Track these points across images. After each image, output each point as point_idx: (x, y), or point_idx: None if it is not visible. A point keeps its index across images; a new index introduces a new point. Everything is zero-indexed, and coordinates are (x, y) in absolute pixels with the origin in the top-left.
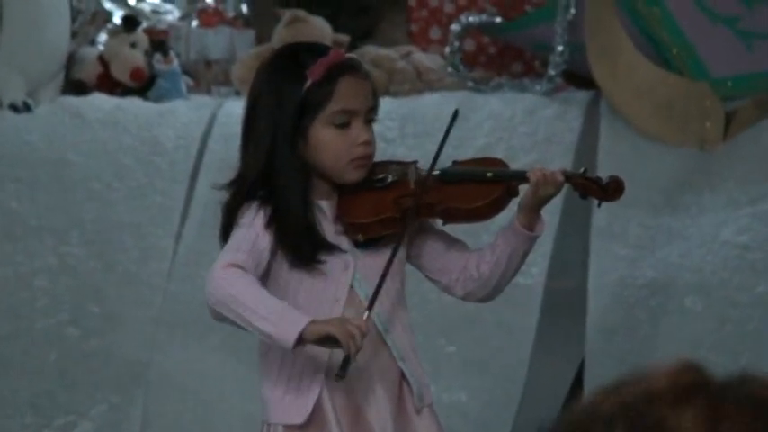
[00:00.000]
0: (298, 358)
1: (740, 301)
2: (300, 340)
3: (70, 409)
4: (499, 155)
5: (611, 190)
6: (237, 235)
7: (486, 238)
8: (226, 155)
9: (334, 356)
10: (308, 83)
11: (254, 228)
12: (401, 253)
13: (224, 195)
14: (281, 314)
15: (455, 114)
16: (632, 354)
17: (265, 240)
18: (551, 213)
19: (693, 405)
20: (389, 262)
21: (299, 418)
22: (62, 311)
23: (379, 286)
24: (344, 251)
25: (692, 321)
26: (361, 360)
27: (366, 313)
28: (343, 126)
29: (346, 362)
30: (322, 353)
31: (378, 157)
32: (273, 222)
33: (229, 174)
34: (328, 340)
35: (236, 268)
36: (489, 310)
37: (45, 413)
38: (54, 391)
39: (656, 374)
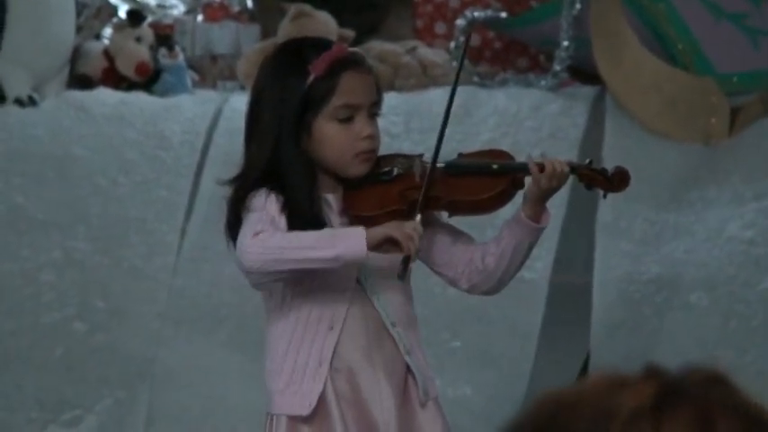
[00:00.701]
0: (305, 340)
1: (746, 297)
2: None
3: (76, 404)
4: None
5: (617, 181)
6: (252, 217)
7: (490, 232)
8: (231, 149)
9: (342, 344)
10: (312, 77)
11: (267, 211)
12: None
13: (229, 190)
14: (335, 237)
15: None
16: (637, 349)
17: (282, 222)
18: (557, 208)
19: (680, 412)
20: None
21: (303, 409)
22: (68, 306)
23: (426, 192)
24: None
25: (698, 317)
26: (366, 352)
27: (418, 216)
28: (347, 120)
29: (407, 262)
30: (330, 336)
31: (383, 152)
32: (285, 212)
33: (234, 168)
34: (388, 242)
35: (264, 232)
36: (494, 305)
37: (51, 408)
38: (60, 386)
39: (624, 388)
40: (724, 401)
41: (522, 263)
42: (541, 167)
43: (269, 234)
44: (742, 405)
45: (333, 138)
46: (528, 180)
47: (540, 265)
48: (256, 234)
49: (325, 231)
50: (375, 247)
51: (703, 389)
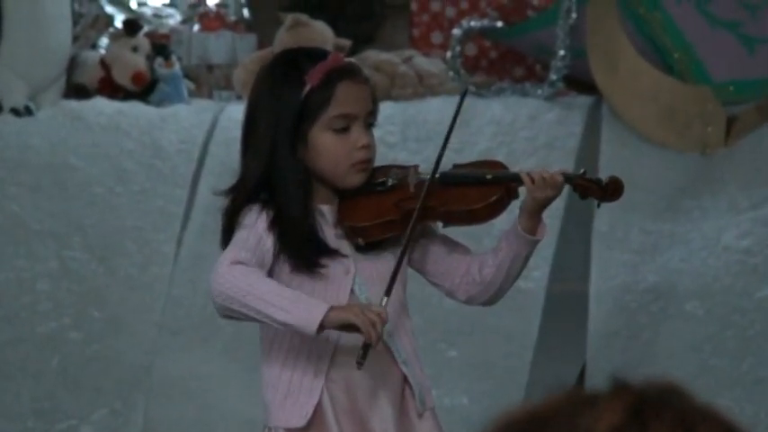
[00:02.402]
0: (303, 350)
1: (742, 306)
2: (321, 327)
3: (72, 414)
4: (500, 159)
5: (611, 190)
6: (240, 235)
7: (487, 242)
8: (227, 159)
9: (338, 354)
10: (307, 88)
11: (256, 229)
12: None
13: (225, 201)
14: (297, 303)
15: (464, 93)
16: (634, 358)
17: (269, 242)
18: (553, 218)
19: (661, 422)
20: (402, 256)
21: (299, 421)
22: (64, 316)
23: (394, 276)
24: (345, 255)
25: (694, 326)
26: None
27: (384, 299)
28: (343, 131)
29: (366, 349)
30: (326, 351)
31: (379, 162)
32: (275, 226)
33: (231, 178)
34: (349, 328)
35: (242, 265)
36: (491, 315)
37: (47, 417)
38: (56, 396)
39: (599, 408)
40: (698, 409)
41: (519, 274)
42: (534, 177)
43: (244, 271)
44: (713, 412)
45: (328, 148)
46: (522, 190)
47: (536, 275)
48: (235, 263)
49: (294, 294)
50: (335, 328)
51: (676, 398)
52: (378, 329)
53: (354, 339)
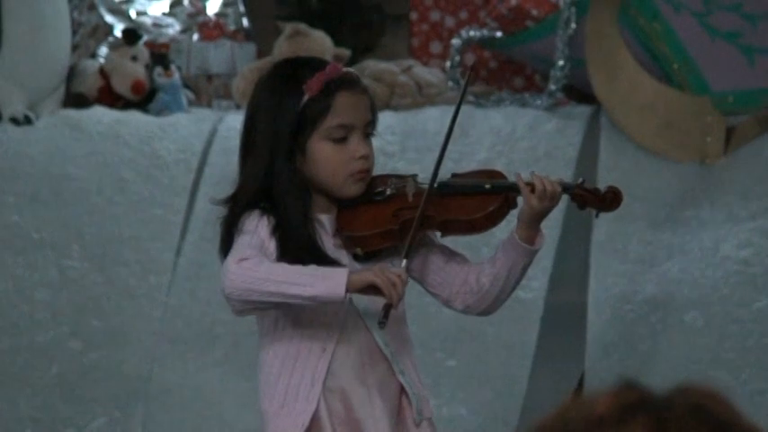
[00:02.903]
0: (300, 359)
1: (740, 317)
2: (346, 291)
3: (70, 423)
4: (500, 169)
5: (609, 200)
6: (242, 240)
7: (486, 252)
8: (226, 168)
9: (335, 364)
10: (306, 97)
11: (258, 233)
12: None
13: (223, 210)
14: (317, 275)
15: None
16: (632, 369)
17: (271, 247)
18: (551, 228)
19: (638, 422)
20: (415, 226)
21: (296, 430)
22: (63, 325)
23: (413, 238)
24: (344, 265)
25: (693, 337)
26: (360, 372)
27: (403, 261)
28: (341, 140)
29: (388, 309)
30: (322, 362)
31: (378, 171)
32: (277, 232)
33: (229, 188)
34: (371, 289)
35: (250, 260)
36: (489, 325)
37: (45, 426)
38: (54, 405)
39: (598, 398)
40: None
41: (517, 284)
42: (532, 187)
43: (254, 262)
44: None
45: (327, 157)
46: (521, 200)
47: (535, 285)
48: (242, 260)
49: (310, 268)
50: (357, 291)
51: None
52: (398, 290)
53: (352, 346)
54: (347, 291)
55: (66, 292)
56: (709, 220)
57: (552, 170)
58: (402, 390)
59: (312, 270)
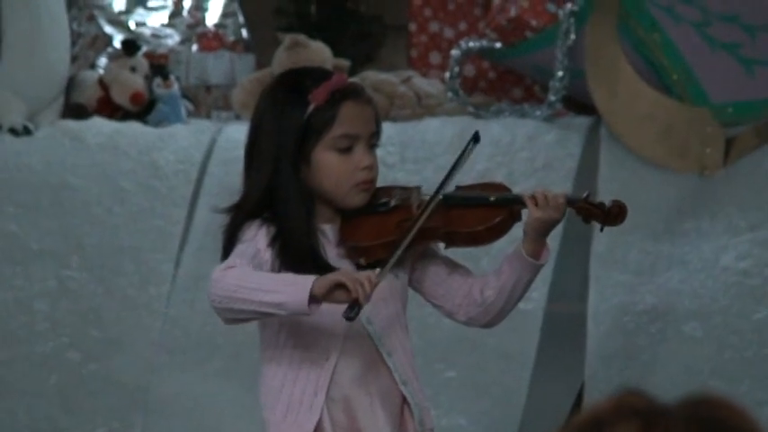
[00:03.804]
0: (303, 368)
1: (740, 328)
2: (313, 300)
3: None
4: (499, 180)
5: (614, 214)
6: (238, 249)
7: (486, 263)
8: (225, 179)
9: (338, 374)
10: (311, 107)
11: (255, 243)
12: (403, 274)
13: (225, 219)
14: (285, 282)
15: (475, 137)
16: (632, 379)
17: (266, 256)
18: (551, 238)
19: (630, 421)
20: (400, 244)
21: None
22: (62, 335)
23: (396, 255)
24: None
25: (692, 347)
26: (362, 382)
27: (377, 270)
28: (346, 151)
29: (353, 305)
30: (325, 372)
31: (378, 182)
32: (276, 243)
33: (229, 198)
34: (338, 289)
35: (235, 268)
36: (489, 335)
37: None
38: (54, 416)
39: (603, 401)
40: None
41: (521, 297)
42: (538, 200)
43: (236, 270)
44: None
45: (332, 168)
46: (525, 213)
47: (534, 295)
48: (229, 268)
49: (284, 276)
50: (325, 294)
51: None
52: (366, 287)
53: (354, 356)
54: (314, 296)
55: (65, 303)
56: (708, 231)
57: (552, 181)
58: (404, 400)
59: (284, 277)
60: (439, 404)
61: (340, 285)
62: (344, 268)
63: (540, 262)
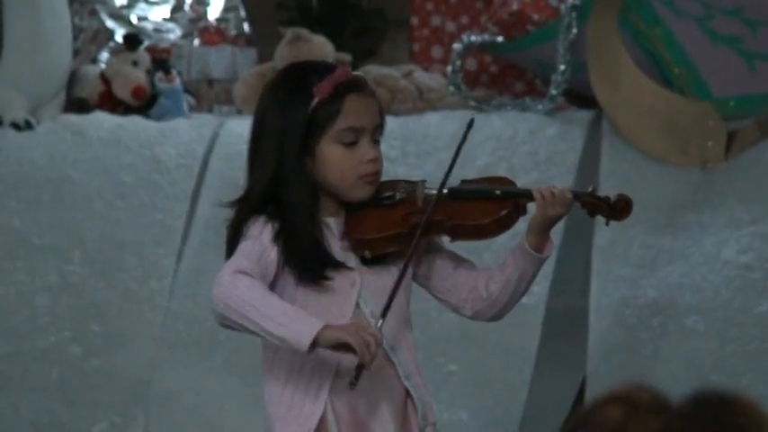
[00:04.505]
0: (306, 363)
1: (742, 321)
2: (314, 344)
3: (71, 428)
4: (501, 174)
5: (619, 209)
6: (245, 246)
7: (487, 257)
8: (227, 174)
9: (342, 367)
10: (315, 101)
11: (261, 241)
12: (409, 270)
13: (227, 213)
14: (293, 318)
15: (470, 124)
16: (634, 373)
17: (273, 254)
18: (553, 233)
19: (615, 404)
20: (403, 272)
21: None
22: (64, 330)
23: (392, 297)
24: (351, 268)
25: (694, 341)
26: (366, 376)
27: (380, 321)
28: (351, 144)
29: (360, 370)
30: (329, 365)
31: (381, 177)
32: (281, 238)
33: (230, 193)
34: (342, 347)
35: (245, 275)
36: (491, 330)
37: (46, 431)
38: (55, 410)
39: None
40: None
41: (526, 290)
42: (545, 196)
43: (248, 281)
44: None
45: (336, 161)
46: (531, 207)
47: (536, 290)
48: (238, 272)
49: (293, 309)
50: (329, 347)
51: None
52: (372, 350)
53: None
54: (315, 344)
55: (66, 297)
56: (710, 224)
57: (553, 175)
58: (407, 395)
59: (294, 312)
60: (440, 398)
61: (345, 345)
62: (350, 323)
63: (543, 255)
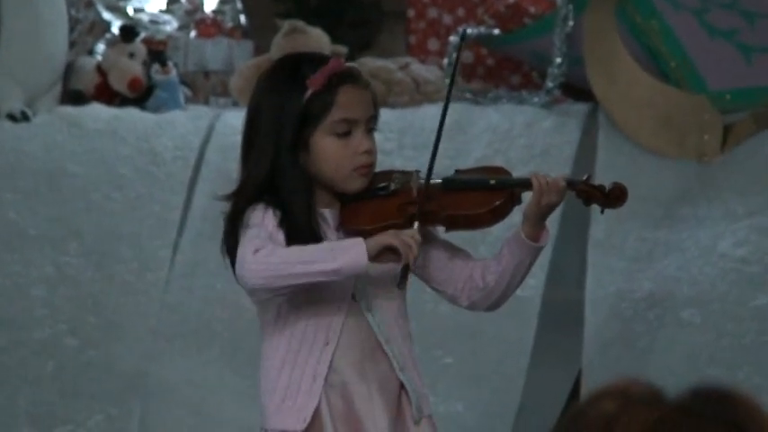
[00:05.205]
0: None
1: (738, 314)
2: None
3: (68, 420)
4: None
5: (614, 197)
6: (250, 233)
7: (483, 249)
8: (223, 165)
9: (336, 360)
10: (309, 92)
11: (265, 226)
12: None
13: (223, 206)
14: (335, 250)
15: (463, 35)
16: (629, 366)
17: (280, 237)
18: (549, 225)
19: (610, 398)
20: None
21: (297, 425)
22: (60, 322)
23: (424, 205)
24: None
25: (690, 334)
26: (361, 368)
27: (416, 224)
28: (345, 135)
29: (406, 270)
30: (323, 357)
31: (376, 169)
32: (283, 226)
33: (227, 185)
34: (387, 251)
35: (263, 248)
36: (487, 322)
37: (42, 423)
38: (52, 402)
39: (607, 395)
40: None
41: (522, 280)
42: (539, 184)
43: (269, 250)
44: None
45: (331, 152)
46: (525, 196)
47: (532, 282)
48: (256, 251)
49: (325, 245)
50: (374, 256)
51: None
52: (414, 250)
53: (353, 342)
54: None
55: (63, 289)
56: (706, 217)
57: (549, 167)
58: (401, 387)
59: (329, 245)
60: (436, 391)
61: (389, 248)
62: (389, 231)
63: (539, 244)
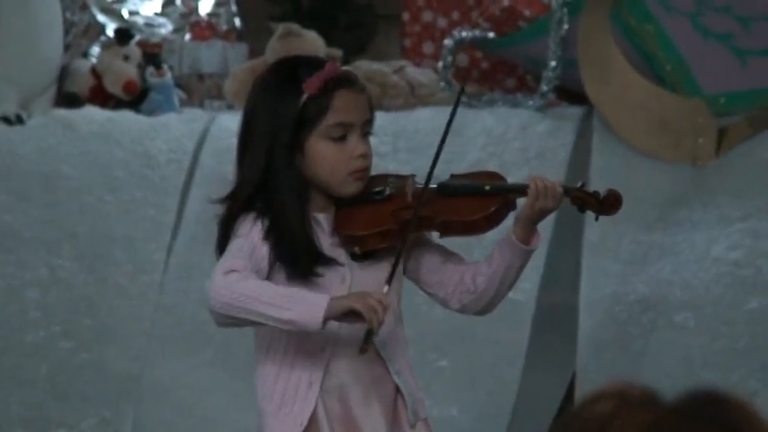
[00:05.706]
0: (298, 358)
1: (731, 318)
2: (324, 320)
3: (61, 423)
4: (491, 170)
5: (609, 204)
6: (235, 244)
7: (478, 253)
8: (218, 169)
9: (332, 365)
10: (305, 96)
11: (251, 238)
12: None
13: (217, 209)
14: (298, 299)
15: (461, 91)
16: (624, 369)
17: (263, 251)
18: (543, 228)
19: (605, 400)
20: (397, 261)
21: (294, 430)
22: (54, 324)
23: (396, 263)
24: (341, 264)
25: (684, 338)
26: (357, 372)
27: (386, 287)
28: (340, 139)
29: (369, 335)
30: (320, 363)
31: (370, 172)
32: (271, 234)
33: (221, 188)
34: (350, 315)
35: (236, 272)
36: (481, 325)
37: (36, 426)
38: (45, 404)
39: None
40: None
41: (513, 283)
42: (536, 189)
43: (241, 276)
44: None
45: (326, 156)
46: (520, 202)
47: (526, 285)
48: (230, 272)
49: (294, 290)
50: (337, 318)
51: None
52: (380, 315)
53: (349, 347)
54: (326, 318)
55: (56, 292)
56: (700, 221)
57: (544, 171)
58: (397, 390)
59: (295, 293)
60: (431, 394)
61: (353, 312)
62: (354, 292)
63: (530, 247)
